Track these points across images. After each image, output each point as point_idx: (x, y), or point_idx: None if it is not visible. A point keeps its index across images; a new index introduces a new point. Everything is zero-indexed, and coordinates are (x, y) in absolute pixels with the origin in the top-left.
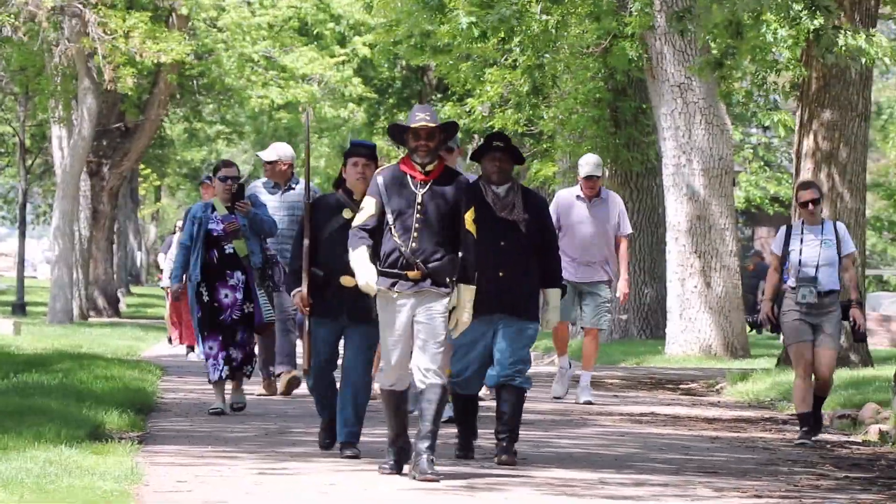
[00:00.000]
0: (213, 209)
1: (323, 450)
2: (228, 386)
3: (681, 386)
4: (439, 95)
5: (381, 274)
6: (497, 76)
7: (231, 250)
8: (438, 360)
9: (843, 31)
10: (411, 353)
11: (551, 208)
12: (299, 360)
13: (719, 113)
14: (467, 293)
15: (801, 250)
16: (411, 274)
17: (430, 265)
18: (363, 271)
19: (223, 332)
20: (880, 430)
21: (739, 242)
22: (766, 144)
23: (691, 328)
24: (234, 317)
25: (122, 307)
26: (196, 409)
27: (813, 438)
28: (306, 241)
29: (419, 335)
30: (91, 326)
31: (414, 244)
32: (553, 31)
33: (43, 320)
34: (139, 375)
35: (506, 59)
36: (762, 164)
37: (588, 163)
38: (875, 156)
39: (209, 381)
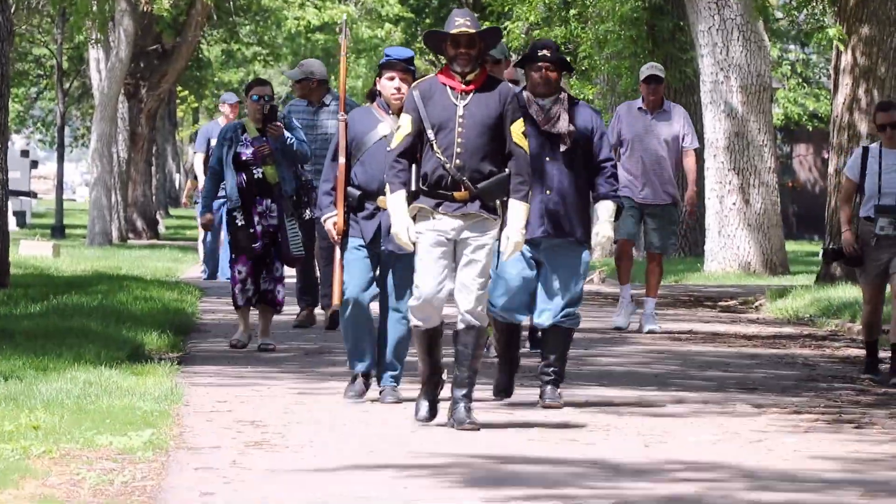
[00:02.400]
0: (244, 130)
1: (350, 399)
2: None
3: (720, 303)
4: (476, 15)
5: (423, 193)
6: None
7: (260, 175)
8: (482, 300)
9: None
10: (450, 283)
11: (612, 122)
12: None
13: (757, 29)
14: (520, 211)
15: (879, 175)
16: (458, 194)
17: (478, 185)
18: (399, 222)
19: (255, 258)
20: None
21: (778, 159)
22: (805, 60)
23: (730, 245)
24: (264, 245)
25: (161, 229)
26: (235, 331)
27: (879, 378)
28: (341, 160)
29: (462, 271)
30: (130, 248)
31: (458, 161)
32: None
33: (82, 242)
34: (178, 297)
35: None
36: (800, 80)
37: (649, 66)
38: None
39: (235, 306)
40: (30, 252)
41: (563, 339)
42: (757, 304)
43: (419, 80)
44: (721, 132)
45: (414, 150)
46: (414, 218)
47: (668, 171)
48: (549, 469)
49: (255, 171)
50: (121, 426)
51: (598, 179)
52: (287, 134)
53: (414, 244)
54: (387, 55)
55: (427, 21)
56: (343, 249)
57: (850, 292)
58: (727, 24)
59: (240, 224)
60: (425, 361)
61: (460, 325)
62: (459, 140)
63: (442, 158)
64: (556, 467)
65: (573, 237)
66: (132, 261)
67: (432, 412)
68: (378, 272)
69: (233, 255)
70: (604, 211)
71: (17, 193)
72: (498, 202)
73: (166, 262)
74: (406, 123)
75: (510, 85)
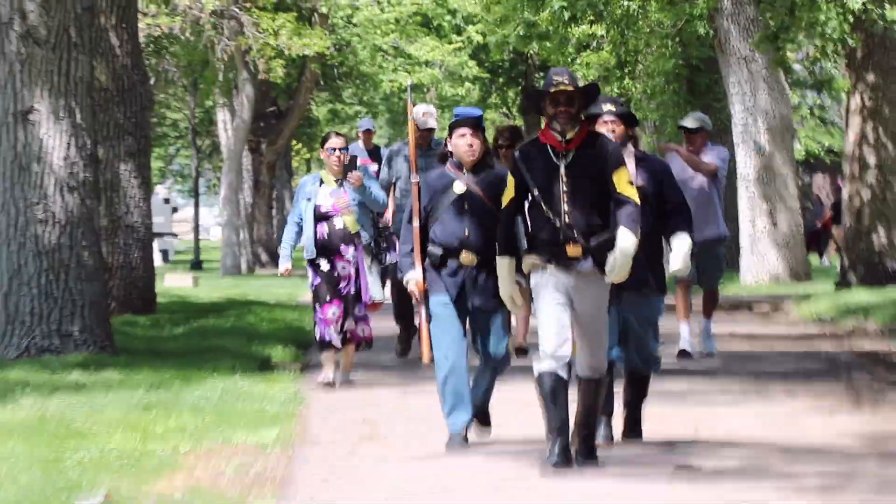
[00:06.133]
0: (322, 182)
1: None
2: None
3: (754, 309)
4: (541, 74)
5: (534, 250)
6: (591, 58)
7: (342, 225)
8: (601, 355)
9: (887, 3)
10: (570, 337)
11: None
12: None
13: (779, 79)
14: (627, 238)
15: None
16: (571, 250)
17: (591, 241)
18: (505, 287)
19: (344, 301)
20: None
21: (800, 188)
22: (820, 105)
23: (762, 261)
24: (351, 291)
25: None
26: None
27: None
28: (416, 223)
29: (579, 329)
30: (257, 278)
31: (567, 219)
32: (634, 13)
33: (216, 274)
34: (298, 317)
35: (597, 45)
36: (817, 120)
37: (688, 117)
38: None
39: (324, 348)
40: (173, 283)
41: (642, 384)
42: (785, 308)
43: (522, 144)
44: (751, 167)
45: (520, 210)
46: (528, 274)
47: (714, 208)
48: (615, 450)
49: (335, 222)
50: (253, 426)
51: (673, 219)
52: (365, 183)
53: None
54: (456, 115)
55: (500, 80)
56: (427, 308)
57: (864, 296)
58: (754, 76)
59: (325, 270)
60: (553, 412)
61: (583, 375)
62: (565, 199)
63: (551, 217)
64: (620, 449)
65: (646, 288)
66: (259, 288)
67: (566, 457)
68: (468, 326)
69: (325, 299)
70: (678, 246)
71: (162, 234)
72: (610, 257)
73: (288, 288)
74: (511, 186)
75: (609, 139)
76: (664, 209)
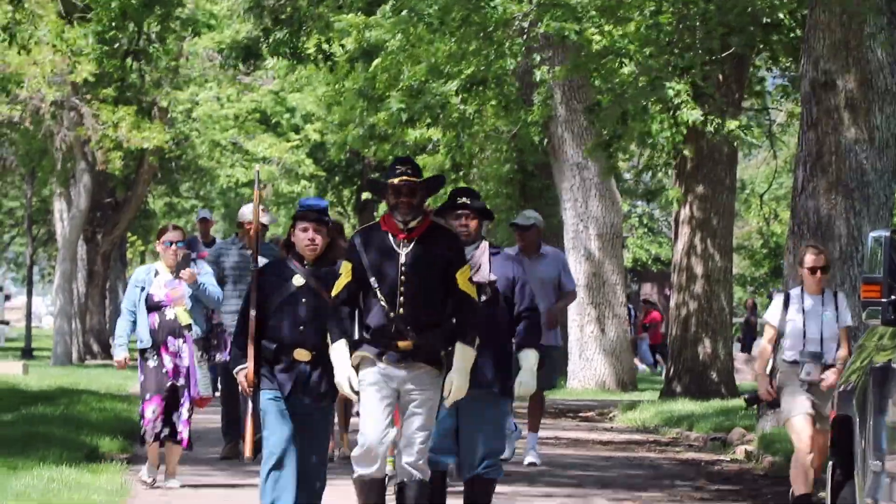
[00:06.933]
0: (157, 273)
1: None
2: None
3: (580, 414)
4: (377, 174)
5: (366, 342)
6: (427, 161)
7: (173, 317)
8: (424, 453)
9: (727, 117)
10: (393, 431)
11: None
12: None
13: (611, 187)
14: (465, 356)
15: (803, 321)
16: (402, 344)
17: (422, 335)
18: (341, 372)
19: (167, 396)
20: (746, 450)
21: (628, 295)
22: (650, 214)
23: (589, 366)
24: (177, 383)
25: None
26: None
27: None
28: (253, 312)
29: (406, 424)
30: (87, 367)
31: (402, 310)
32: (470, 118)
33: (47, 363)
34: (128, 407)
35: (433, 148)
36: (646, 229)
37: (520, 215)
38: (740, 223)
39: (142, 444)
40: (2, 371)
41: (485, 489)
42: (611, 415)
43: (361, 227)
44: (581, 272)
45: (355, 297)
46: (357, 366)
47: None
48: None
49: (167, 313)
50: None
51: (520, 329)
52: (199, 279)
53: (356, 392)
54: (300, 205)
55: (336, 178)
56: (255, 402)
57: (688, 406)
58: (586, 184)
59: (152, 365)
60: None
61: (403, 479)
62: (402, 288)
63: (385, 307)
64: None
65: (492, 389)
66: (89, 378)
67: None
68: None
69: (146, 396)
70: (526, 361)
71: None
72: (442, 353)
73: (118, 379)
74: (347, 270)
75: (454, 232)
76: (513, 311)
